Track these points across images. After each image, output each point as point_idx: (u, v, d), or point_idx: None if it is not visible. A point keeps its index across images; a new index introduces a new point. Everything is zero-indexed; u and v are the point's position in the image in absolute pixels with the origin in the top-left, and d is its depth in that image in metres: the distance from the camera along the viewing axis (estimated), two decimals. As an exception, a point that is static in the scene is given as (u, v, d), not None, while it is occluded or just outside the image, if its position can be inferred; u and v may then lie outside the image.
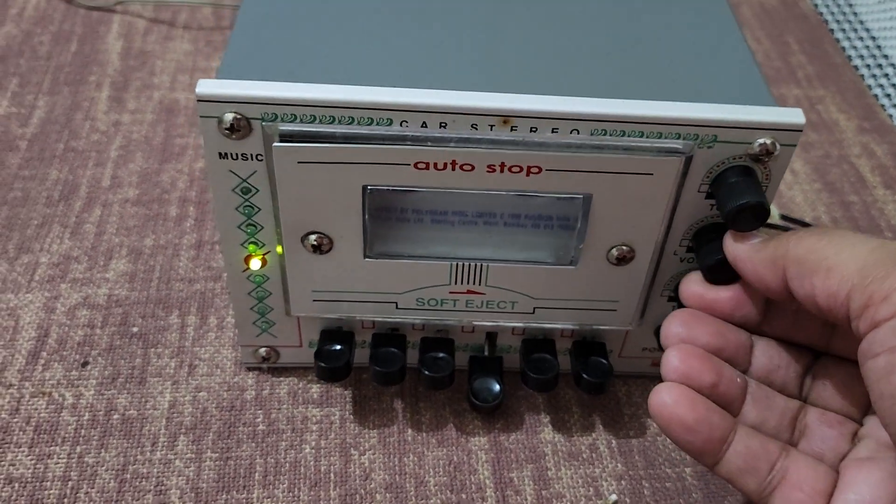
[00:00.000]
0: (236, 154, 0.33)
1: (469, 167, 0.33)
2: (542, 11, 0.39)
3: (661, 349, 0.41)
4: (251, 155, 0.33)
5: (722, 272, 0.34)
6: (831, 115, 0.62)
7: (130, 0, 0.67)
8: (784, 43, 0.69)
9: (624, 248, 0.36)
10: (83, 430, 0.41)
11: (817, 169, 0.58)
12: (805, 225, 0.53)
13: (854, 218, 0.55)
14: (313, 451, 0.41)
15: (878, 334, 0.28)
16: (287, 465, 0.40)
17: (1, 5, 0.67)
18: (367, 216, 0.35)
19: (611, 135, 0.33)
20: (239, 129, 0.32)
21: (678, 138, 0.33)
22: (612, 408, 0.43)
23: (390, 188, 0.34)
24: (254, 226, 0.36)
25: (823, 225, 0.54)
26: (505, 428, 0.42)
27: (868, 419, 0.33)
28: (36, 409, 0.41)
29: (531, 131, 0.33)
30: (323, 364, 0.39)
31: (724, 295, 0.34)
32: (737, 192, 0.33)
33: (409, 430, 0.42)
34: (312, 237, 0.35)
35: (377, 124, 0.32)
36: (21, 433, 0.40)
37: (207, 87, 0.32)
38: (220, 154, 0.33)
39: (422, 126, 0.32)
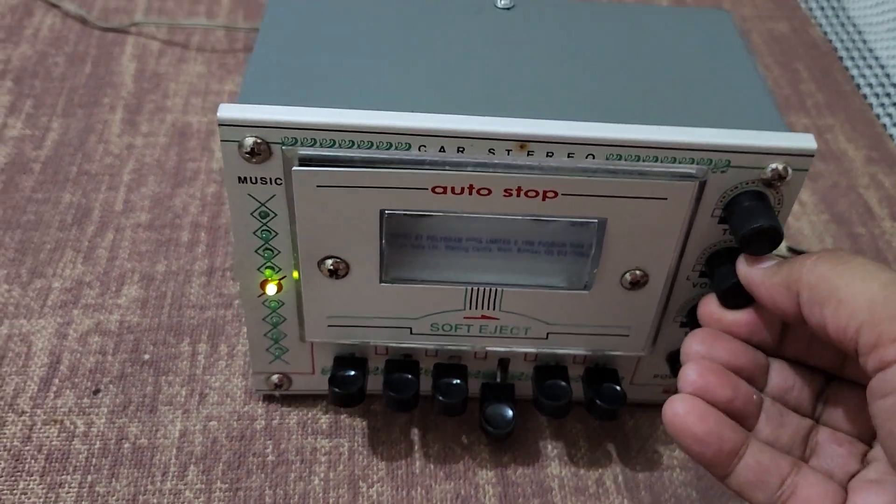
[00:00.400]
0: (255, 178, 0.33)
1: (486, 191, 0.33)
2: (557, 38, 0.39)
3: (673, 375, 0.41)
4: (270, 179, 0.34)
5: (737, 296, 0.34)
6: (840, 144, 0.62)
7: (144, 22, 0.68)
8: (793, 71, 0.69)
9: (638, 272, 0.36)
10: (94, 459, 0.41)
11: (825, 199, 0.58)
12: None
13: (862, 250, 0.55)
14: (322, 482, 0.40)
15: (887, 375, 0.28)
16: (296, 497, 0.40)
17: (16, 26, 0.67)
18: (383, 241, 0.35)
19: (626, 159, 0.33)
20: (259, 153, 0.32)
21: (692, 163, 0.33)
22: (620, 441, 0.43)
23: (408, 212, 0.34)
24: (271, 250, 0.36)
25: (839, 248, 0.54)
26: (512, 461, 0.42)
27: (878, 443, 0.33)
28: (48, 436, 0.41)
29: (547, 156, 0.33)
30: (337, 390, 0.39)
31: (741, 318, 0.34)
32: (750, 216, 0.33)
33: (418, 462, 0.42)
34: (329, 262, 0.36)
35: (396, 149, 0.33)
36: (33, 461, 0.40)
37: (228, 111, 0.32)
38: (239, 178, 0.33)
39: (440, 150, 0.33)
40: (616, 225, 0.35)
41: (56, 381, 0.44)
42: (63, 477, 0.40)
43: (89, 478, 0.40)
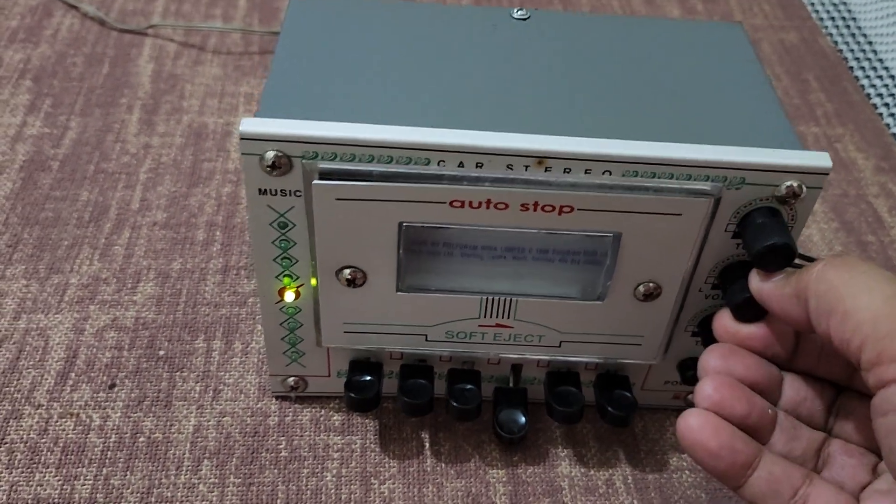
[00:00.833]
0: (275, 190, 0.34)
1: (503, 206, 0.34)
2: (573, 52, 0.40)
3: (683, 382, 0.42)
4: (290, 191, 0.34)
5: (749, 310, 0.35)
6: (849, 153, 0.63)
7: (162, 24, 0.68)
8: (803, 80, 0.69)
9: (651, 284, 0.37)
10: (109, 453, 0.41)
11: (835, 208, 0.58)
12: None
13: (871, 258, 0.55)
14: (334, 479, 0.41)
15: (888, 393, 0.28)
16: (308, 492, 0.40)
17: (35, 26, 0.68)
18: (401, 252, 0.36)
19: (642, 176, 0.34)
20: (280, 166, 0.33)
21: (707, 180, 0.34)
22: (629, 443, 0.44)
23: (426, 225, 0.35)
24: (289, 259, 0.37)
25: (847, 254, 0.55)
26: (523, 460, 0.42)
27: None
28: (64, 429, 0.42)
29: (565, 172, 0.33)
30: (353, 395, 0.40)
31: (755, 332, 0.35)
32: (764, 233, 0.34)
33: (429, 461, 0.42)
34: (347, 271, 0.36)
35: (415, 163, 0.33)
36: (49, 454, 0.41)
37: (251, 125, 0.32)
38: (259, 190, 0.34)
39: (458, 166, 0.33)
40: (631, 239, 0.35)
41: (72, 375, 0.44)
42: (79, 469, 0.40)
43: (104, 470, 0.41)
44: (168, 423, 0.43)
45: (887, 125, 0.65)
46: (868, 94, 0.68)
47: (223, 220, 0.53)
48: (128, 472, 0.41)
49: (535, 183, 0.33)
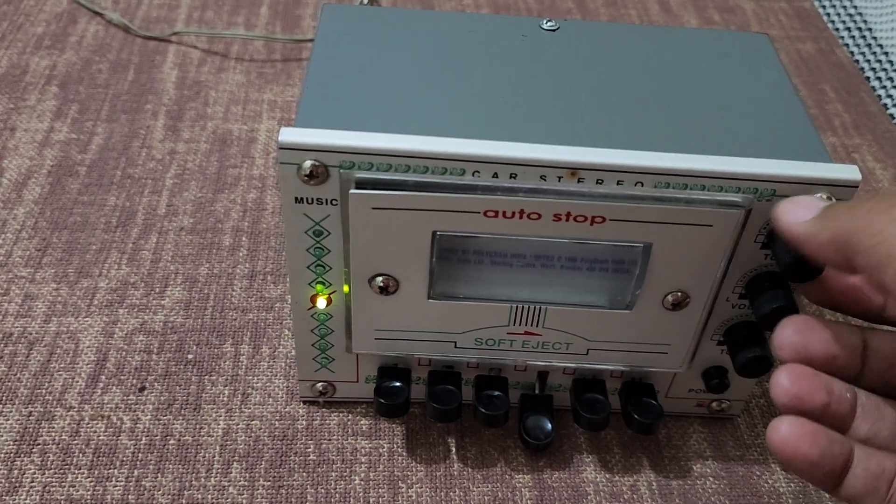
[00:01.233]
0: (311, 199, 0.34)
1: (536, 216, 0.34)
2: (603, 62, 0.40)
3: (708, 391, 0.42)
4: (326, 200, 0.35)
5: (778, 319, 0.35)
6: (867, 163, 0.63)
7: (185, 31, 0.69)
8: (820, 91, 0.70)
9: (679, 294, 0.37)
10: (140, 455, 0.42)
11: (855, 216, 0.59)
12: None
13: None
14: (363, 482, 0.42)
15: None
16: (337, 495, 0.41)
17: (61, 33, 0.69)
18: (434, 260, 0.36)
19: (673, 187, 0.34)
20: (317, 175, 0.33)
21: (738, 192, 0.34)
22: (653, 449, 0.44)
23: (459, 234, 0.35)
24: (322, 266, 0.37)
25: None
26: (548, 465, 0.43)
27: None
28: (95, 431, 0.43)
29: (597, 183, 0.34)
30: (384, 401, 0.40)
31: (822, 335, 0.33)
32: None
33: (456, 465, 0.43)
34: (379, 279, 0.37)
35: (450, 174, 0.34)
36: (81, 455, 0.42)
37: (289, 135, 0.33)
38: (296, 198, 0.34)
39: (493, 176, 0.34)
40: (661, 249, 0.35)
41: (103, 377, 0.45)
42: (110, 471, 0.41)
43: (136, 472, 0.41)
44: (197, 426, 0.43)
45: (906, 135, 0.66)
46: (885, 105, 0.69)
47: (249, 226, 0.54)
48: (159, 474, 0.41)
49: (567, 193, 0.34)
